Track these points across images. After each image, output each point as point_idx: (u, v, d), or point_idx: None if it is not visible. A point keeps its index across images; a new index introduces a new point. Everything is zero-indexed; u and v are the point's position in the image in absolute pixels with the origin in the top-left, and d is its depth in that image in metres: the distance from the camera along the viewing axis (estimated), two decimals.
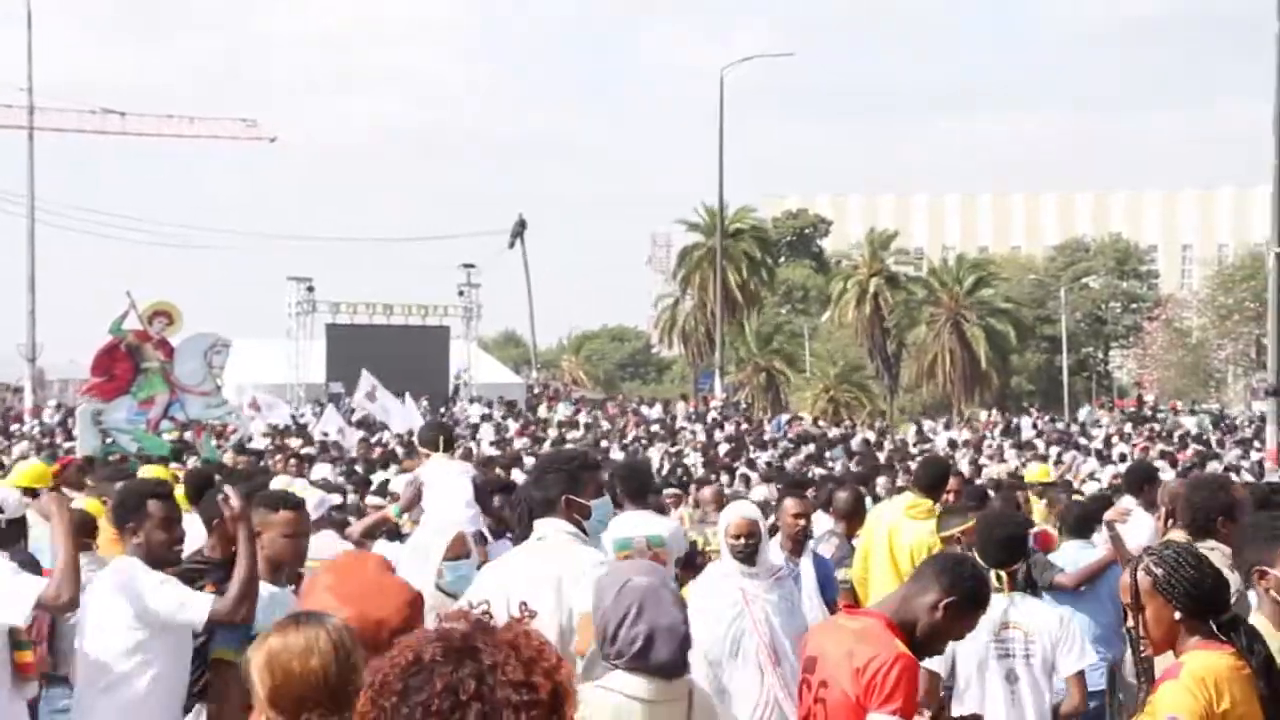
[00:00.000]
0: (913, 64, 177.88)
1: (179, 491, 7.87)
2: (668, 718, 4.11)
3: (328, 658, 3.26)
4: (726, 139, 54.47)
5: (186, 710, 5.61)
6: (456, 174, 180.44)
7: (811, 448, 31.31)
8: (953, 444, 34.32)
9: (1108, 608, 8.46)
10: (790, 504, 8.41)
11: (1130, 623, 4.27)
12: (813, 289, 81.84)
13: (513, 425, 37.27)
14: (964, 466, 22.90)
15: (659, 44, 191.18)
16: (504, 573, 5.41)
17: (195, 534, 6.38)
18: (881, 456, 26.77)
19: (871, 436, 37.53)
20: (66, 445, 24.39)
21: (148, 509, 5.55)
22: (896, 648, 4.28)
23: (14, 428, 34.95)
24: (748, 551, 6.67)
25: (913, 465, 17.46)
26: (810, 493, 11.43)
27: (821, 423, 45.52)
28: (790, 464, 26.82)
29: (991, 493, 13.13)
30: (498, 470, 14.97)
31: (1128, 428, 39.92)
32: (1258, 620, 4.52)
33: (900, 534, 8.85)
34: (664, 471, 21.41)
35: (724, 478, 19.55)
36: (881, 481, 16.10)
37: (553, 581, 5.20)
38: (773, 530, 8.15)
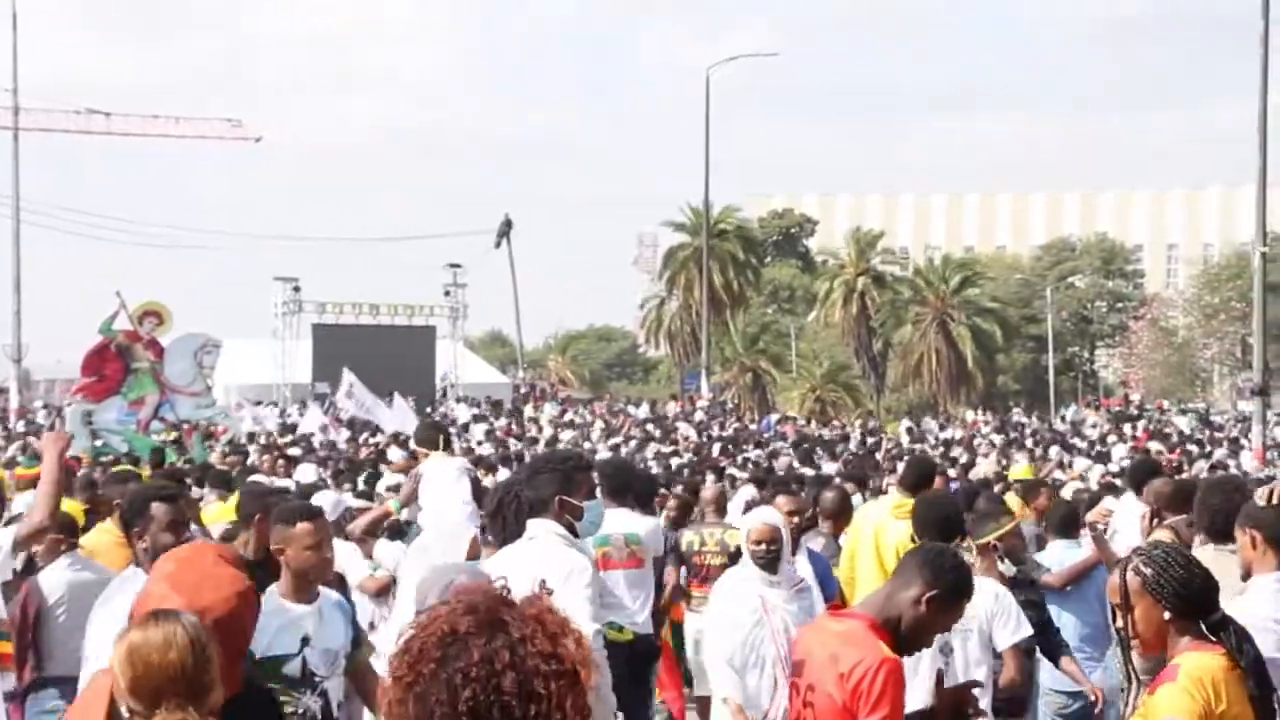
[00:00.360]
0: (911, 64, 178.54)
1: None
2: None
3: (185, 651, 3.47)
4: (717, 139, 54.61)
5: None
6: (450, 174, 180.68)
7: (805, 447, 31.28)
8: (947, 444, 34.27)
9: (1094, 608, 8.47)
10: (783, 501, 8.41)
11: (1119, 623, 4.28)
12: (799, 289, 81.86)
13: (500, 425, 37.24)
14: (956, 465, 22.93)
15: (658, 44, 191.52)
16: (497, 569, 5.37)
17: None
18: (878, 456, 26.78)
19: (855, 435, 37.53)
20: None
21: (152, 512, 5.45)
22: (881, 652, 4.25)
23: None
24: (769, 558, 6.64)
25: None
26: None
27: (814, 423, 45.60)
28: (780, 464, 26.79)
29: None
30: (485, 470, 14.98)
31: (1126, 428, 39.99)
32: None
33: (886, 534, 8.84)
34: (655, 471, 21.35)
35: (709, 477, 19.48)
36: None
37: (534, 583, 5.16)
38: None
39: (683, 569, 9.97)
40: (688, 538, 10.13)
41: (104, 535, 8.13)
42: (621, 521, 8.28)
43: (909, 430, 39.80)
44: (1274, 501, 5.54)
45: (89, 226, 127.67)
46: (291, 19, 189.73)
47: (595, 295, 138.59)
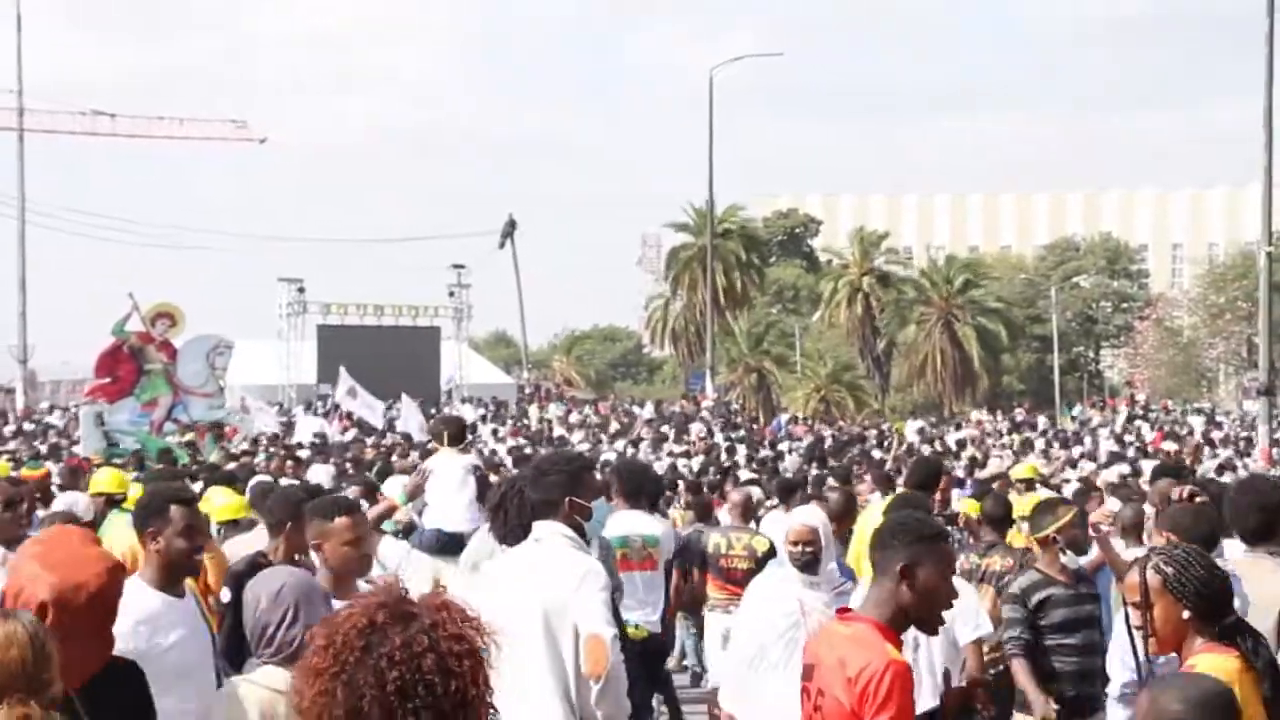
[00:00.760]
0: (912, 64, 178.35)
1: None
2: None
3: (25, 649, 3.55)
4: (720, 139, 54.61)
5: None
6: (451, 174, 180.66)
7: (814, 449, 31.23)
8: (960, 444, 34.18)
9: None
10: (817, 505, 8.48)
11: (1137, 621, 4.28)
12: (803, 289, 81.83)
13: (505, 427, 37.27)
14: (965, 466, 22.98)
15: (657, 44, 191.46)
16: (492, 591, 5.23)
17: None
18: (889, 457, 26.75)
19: (871, 437, 37.52)
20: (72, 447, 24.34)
21: (170, 514, 5.12)
22: (888, 654, 4.21)
23: (6, 429, 34.87)
24: (807, 559, 6.63)
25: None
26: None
27: (818, 423, 45.59)
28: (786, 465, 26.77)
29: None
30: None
31: (1146, 429, 40.01)
32: None
33: None
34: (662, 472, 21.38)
35: (714, 477, 19.48)
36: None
37: (538, 613, 5.09)
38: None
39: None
40: (714, 540, 10.15)
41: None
42: (639, 524, 8.28)
43: (920, 431, 39.75)
44: None
45: (94, 227, 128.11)
46: (291, 19, 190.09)
47: (599, 296, 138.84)
